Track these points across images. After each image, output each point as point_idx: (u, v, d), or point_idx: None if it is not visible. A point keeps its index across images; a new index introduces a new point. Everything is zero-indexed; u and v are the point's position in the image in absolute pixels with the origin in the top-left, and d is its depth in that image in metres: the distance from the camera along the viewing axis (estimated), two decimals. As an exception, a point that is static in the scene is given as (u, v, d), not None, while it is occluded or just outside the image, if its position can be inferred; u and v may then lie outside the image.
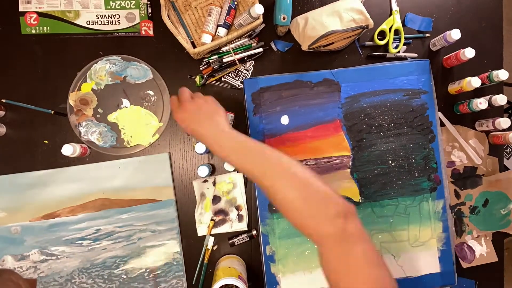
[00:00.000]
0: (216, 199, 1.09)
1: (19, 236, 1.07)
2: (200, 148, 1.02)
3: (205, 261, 1.10)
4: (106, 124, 1.10)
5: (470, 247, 1.13)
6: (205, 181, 1.10)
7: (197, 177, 1.11)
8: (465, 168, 1.14)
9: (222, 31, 1.09)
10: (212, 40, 1.09)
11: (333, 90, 1.12)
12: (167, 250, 1.10)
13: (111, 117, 1.10)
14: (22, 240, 1.07)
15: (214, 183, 1.10)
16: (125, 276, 1.09)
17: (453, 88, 1.13)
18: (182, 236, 1.11)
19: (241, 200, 1.10)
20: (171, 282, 1.09)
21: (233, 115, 1.11)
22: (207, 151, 1.06)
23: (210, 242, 1.10)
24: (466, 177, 1.14)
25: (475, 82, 1.04)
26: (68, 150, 1.00)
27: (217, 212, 1.09)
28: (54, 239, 1.08)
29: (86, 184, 1.09)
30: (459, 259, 1.13)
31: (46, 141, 1.10)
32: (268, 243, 1.09)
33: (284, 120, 1.11)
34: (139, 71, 1.11)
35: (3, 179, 1.08)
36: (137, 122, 1.11)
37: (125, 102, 1.11)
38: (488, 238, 1.14)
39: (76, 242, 1.08)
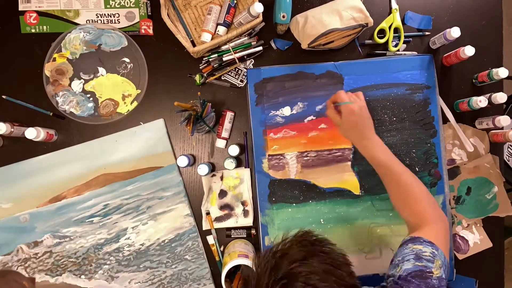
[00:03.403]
0: (222, 193, 1.12)
1: (29, 224, 1.10)
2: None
3: (217, 258, 1.12)
4: (83, 94, 1.12)
5: (462, 237, 1.15)
6: (214, 175, 1.12)
7: (197, 175, 1.12)
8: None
9: (221, 29, 1.10)
10: (212, 39, 1.11)
11: (335, 83, 1.14)
12: (177, 214, 1.12)
13: (88, 86, 1.12)
14: (33, 227, 1.10)
15: (222, 178, 1.12)
16: (140, 246, 1.12)
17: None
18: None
19: (247, 195, 1.12)
20: (187, 244, 1.12)
21: (233, 113, 1.12)
22: (189, 165, 1.09)
23: (210, 239, 1.12)
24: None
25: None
26: (32, 133, 1.02)
27: (222, 207, 1.12)
28: (64, 221, 1.11)
29: (86, 162, 1.11)
30: (454, 251, 1.14)
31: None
32: (267, 234, 1.12)
33: (286, 111, 1.13)
34: (114, 39, 1.13)
35: (3, 170, 1.10)
36: (114, 90, 1.13)
37: (101, 70, 1.13)
38: (478, 225, 1.17)
39: (87, 221, 1.11)
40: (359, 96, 1.02)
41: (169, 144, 1.13)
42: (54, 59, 1.11)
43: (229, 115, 1.12)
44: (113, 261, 1.11)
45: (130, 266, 1.11)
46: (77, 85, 1.11)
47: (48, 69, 1.11)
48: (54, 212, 1.10)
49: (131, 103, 1.13)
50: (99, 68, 1.13)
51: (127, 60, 1.13)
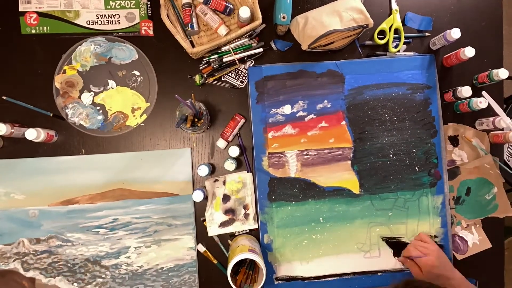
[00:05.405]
0: (226, 198, 1.13)
1: (36, 220, 1.12)
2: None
3: (215, 262, 1.13)
4: (93, 106, 1.13)
5: (461, 238, 1.16)
6: (216, 180, 1.13)
7: (197, 176, 1.12)
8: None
9: (222, 29, 1.10)
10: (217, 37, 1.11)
11: (337, 82, 1.16)
12: (182, 244, 1.14)
13: (98, 99, 1.14)
14: (39, 224, 1.12)
15: (224, 182, 1.12)
16: (138, 267, 1.13)
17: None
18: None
19: (249, 199, 1.13)
20: (183, 277, 1.13)
21: (244, 120, 1.14)
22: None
23: (200, 247, 1.14)
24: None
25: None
26: (32, 134, 1.03)
27: (227, 211, 1.11)
28: (71, 226, 1.12)
29: (107, 173, 1.13)
30: (453, 252, 1.15)
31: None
32: (266, 232, 1.13)
33: (287, 109, 1.14)
34: (124, 52, 1.14)
35: (25, 162, 1.12)
36: (124, 103, 1.14)
37: (111, 83, 1.14)
38: (478, 225, 1.18)
39: (93, 230, 1.13)
40: (427, 241, 1.07)
41: (190, 174, 1.14)
42: (64, 71, 1.13)
43: (242, 122, 1.13)
44: (108, 276, 1.12)
45: (123, 286, 1.12)
46: (87, 98, 1.13)
47: (58, 81, 1.12)
48: (63, 214, 1.11)
49: (141, 116, 1.14)
50: (109, 80, 1.14)
51: (137, 73, 1.14)
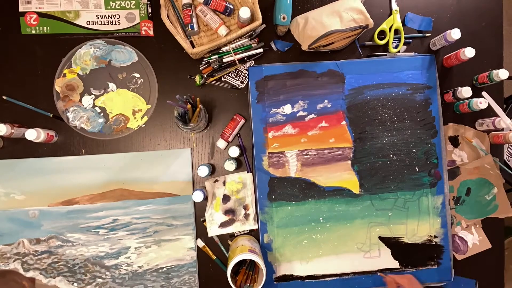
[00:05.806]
0: (226, 198, 1.13)
1: (36, 220, 1.12)
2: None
3: (213, 257, 1.14)
4: (94, 109, 1.13)
5: (461, 238, 1.16)
6: (216, 180, 1.13)
7: (197, 177, 1.12)
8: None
9: (222, 30, 1.10)
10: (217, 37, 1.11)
11: (337, 81, 1.16)
12: (182, 245, 1.14)
13: (98, 102, 1.14)
14: (39, 224, 1.12)
15: (224, 183, 1.12)
16: (138, 268, 1.13)
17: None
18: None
19: (250, 199, 1.13)
20: (184, 278, 1.13)
21: (244, 121, 1.14)
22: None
23: (199, 242, 1.14)
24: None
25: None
26: (32, 135, 1.03)
27: (227, 211, 1.11)
28: (71, 226, 1.12)
29: (107, 173, 1.13)
30: (453, 252, 1.15)
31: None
32: (266, 231, 1.13)
33: (287, 109, 1.14)
34: (124, 54, 1.14)
35: (25, 162, 1.12)
36: (124, 106, 1.14)
37: (112, 86, 1.14)
38: (478, 226, 1.18)
39: (93, 230, 1.13)
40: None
41: (190, 174, 1.14)
42: (65, 75, 1.13)
43: (241, 122, 1.13)
44: (108, 276, 1.12)
45: (123, 286, 1.12)
46: (87, 101, 1.13)
47: (58, 85, 1.12)
48: (63, 215, 1.12)
49: (141, 118, 1.14)
50: (109, 83, 1.14)
51: (137, 75, 1.14)
